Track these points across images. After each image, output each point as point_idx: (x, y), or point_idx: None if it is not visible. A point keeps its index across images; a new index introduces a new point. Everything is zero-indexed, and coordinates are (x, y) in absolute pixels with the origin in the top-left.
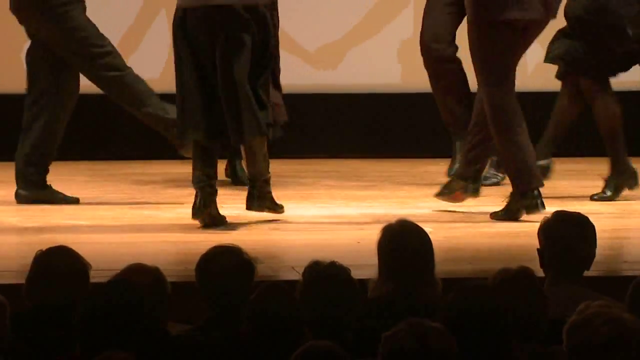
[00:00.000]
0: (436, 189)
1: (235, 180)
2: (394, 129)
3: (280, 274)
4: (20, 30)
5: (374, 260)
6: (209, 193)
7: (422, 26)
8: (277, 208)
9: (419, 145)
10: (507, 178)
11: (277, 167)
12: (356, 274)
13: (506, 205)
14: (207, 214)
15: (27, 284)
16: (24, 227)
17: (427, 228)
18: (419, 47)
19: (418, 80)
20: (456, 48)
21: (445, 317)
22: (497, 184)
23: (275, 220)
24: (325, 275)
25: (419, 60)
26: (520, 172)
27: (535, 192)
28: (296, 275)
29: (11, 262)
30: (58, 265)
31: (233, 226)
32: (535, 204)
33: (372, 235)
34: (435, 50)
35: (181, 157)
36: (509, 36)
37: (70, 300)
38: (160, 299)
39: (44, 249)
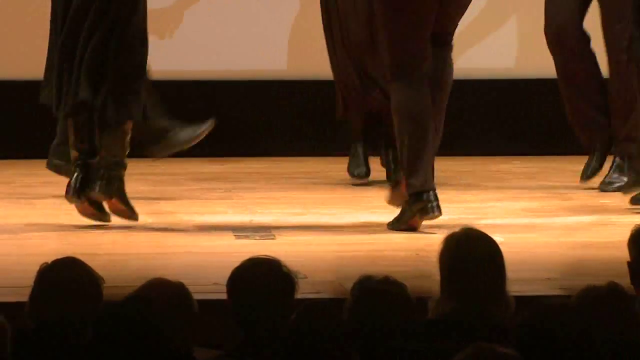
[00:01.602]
0: (509, 193)
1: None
2: (458, 121)
3: (325, 291)
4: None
5: (435, 274)
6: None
7: (545, 16)
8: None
9: (484, 141)
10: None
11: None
12: (414, 291)
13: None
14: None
15: (30, 302)
16: (24, 235)
17: (496, 237)
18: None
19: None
20: (589, 39)
21: (518, 341)
22: (621, 189)
23: (320, 227)
24: (377, 291)
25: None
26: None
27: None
28: (344, 292)
29: (11, 276)
30: (66, 279)
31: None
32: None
33: (433, 245)
34: (563, 43)
35: (203, 155)
36: None
37: (80, 319)
38: (185, 319)
39: (49, 261)
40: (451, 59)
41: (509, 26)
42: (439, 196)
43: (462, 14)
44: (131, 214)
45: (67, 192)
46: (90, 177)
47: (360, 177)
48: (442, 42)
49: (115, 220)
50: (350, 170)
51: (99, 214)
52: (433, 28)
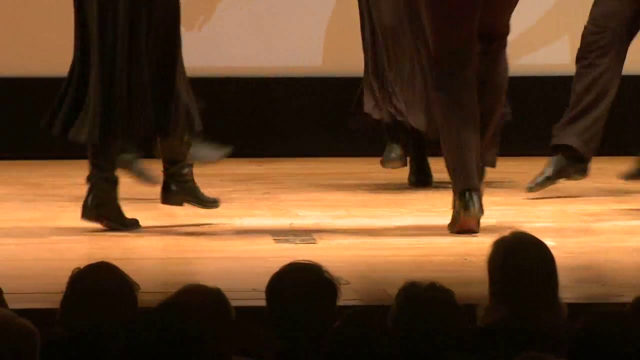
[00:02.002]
0: (562, 194)
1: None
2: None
3: (369, 298)
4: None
5: (484, 280)
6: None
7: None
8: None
9: (534, 140)
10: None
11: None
12: (461, 298)
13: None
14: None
15: (62, 308)
16: (55, 239)
17: (548, 241)
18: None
19: None
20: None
21: (572, 350)
22: None
23: (364, 231)
24: (424, 299)
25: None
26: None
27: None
28: (388, 299)
29: (42, 281)
30: (98, 285)
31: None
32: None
33: (482, 250)
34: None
35: (240, 155)
36: None
37: (113, 327)
38: (222, 327)
39: (81, 267)
40: (505, 61)
41: (563, 20)
42: (488, 198)
43: (510, 10)
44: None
45: (82, 214)
46: (107, 193)
47: (391, 164)
48: (493, 40)
49: (149, 222)
50: (383, 161)
51: (123, 227)
52: (482, 25)
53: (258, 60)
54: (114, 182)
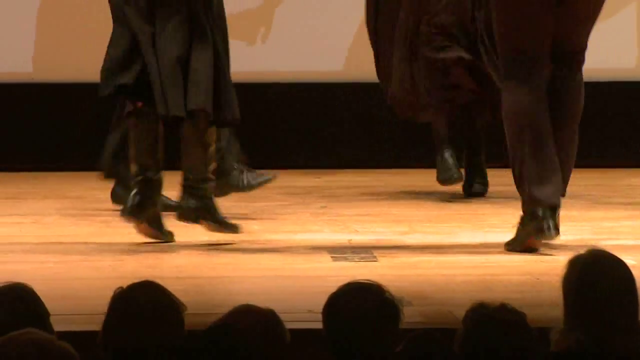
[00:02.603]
0: None
1: None
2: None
3: (433, 320)
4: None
5: (559, 302)
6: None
7: None
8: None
9: (612, 150)
10: None
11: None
12: (534, 320)
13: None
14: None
15: (103, 330)
16: (97, 257)
17: (628, 260)
18: None
19: None
20: None
21: None
22: None
23: (428, 248)
24: (493, 321)
25: None
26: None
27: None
28: (455, 322)
29: (84, 302)
30: (143, 305)
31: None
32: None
33: (556, 269)
34: None
35: (298, 167)
36: None
37: (159, 350)
38: (276, 350)
39: (124, 286)
40: (580, 81)
41: (629, 22)
42: (563, 212)
43: (588, 27)
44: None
45: (122, 210)
46: (150, 194)
47: (449, 181)
48: (568, 58)
49: (197, 239)
50: (438, 177)
51: (160, 233)
52: (556, 42)
53: (312, 65)
54: (158, 185)
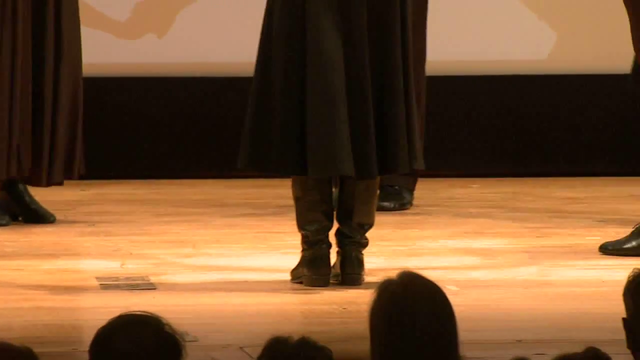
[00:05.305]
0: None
1: None
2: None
3: (224, 358)
4: None
5: (366, 335)
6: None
7: None
8: None
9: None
10: None
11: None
12: (341, 357)
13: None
14: None
15: None
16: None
17: (449, 286)
18: None
19: None
20: None
21: None
22: None
23: (215, 271)
24: (292, 358)
25: None
26: None
27: None
28: None
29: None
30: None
31: None
32: None
33: (364, 297)
34: None
35: None
36: None
37: None
38: None
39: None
40: None
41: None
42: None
43: None
44: None
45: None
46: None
47: None
48: None
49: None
50: None
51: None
52: None
53: None
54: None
